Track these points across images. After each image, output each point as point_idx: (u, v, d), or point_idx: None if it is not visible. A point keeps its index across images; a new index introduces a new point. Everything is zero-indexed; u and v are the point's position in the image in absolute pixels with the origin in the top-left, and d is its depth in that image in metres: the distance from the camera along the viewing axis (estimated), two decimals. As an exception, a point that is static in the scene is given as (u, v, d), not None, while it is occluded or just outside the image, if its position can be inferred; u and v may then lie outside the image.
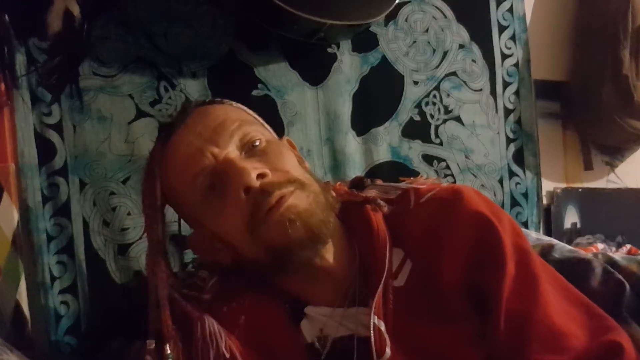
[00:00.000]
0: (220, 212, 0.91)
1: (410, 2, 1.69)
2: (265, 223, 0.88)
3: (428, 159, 1.68)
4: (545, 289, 0.90)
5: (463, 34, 1.74)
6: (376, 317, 0.91)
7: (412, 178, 1.07)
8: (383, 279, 0.92)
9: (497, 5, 1.78)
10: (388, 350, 0.90)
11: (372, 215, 0.97)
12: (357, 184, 1.07)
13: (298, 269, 0.93)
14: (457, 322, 0.91)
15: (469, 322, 0.91)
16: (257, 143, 0.93)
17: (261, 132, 0.96)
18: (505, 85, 1.78)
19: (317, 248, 0.91)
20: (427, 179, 1.06)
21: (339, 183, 1.08)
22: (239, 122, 0.95)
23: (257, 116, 1.03)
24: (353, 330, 0.94)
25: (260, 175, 0.88)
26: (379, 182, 1.05)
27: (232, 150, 0.92)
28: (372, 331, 0.90)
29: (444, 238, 0.92)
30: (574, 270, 1.13)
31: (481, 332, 0.91)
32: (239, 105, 1.02)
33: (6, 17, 1.24)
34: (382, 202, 0.98)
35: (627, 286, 1.10)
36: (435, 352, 0.91)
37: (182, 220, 1.07)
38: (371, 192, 1.02)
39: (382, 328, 0.91)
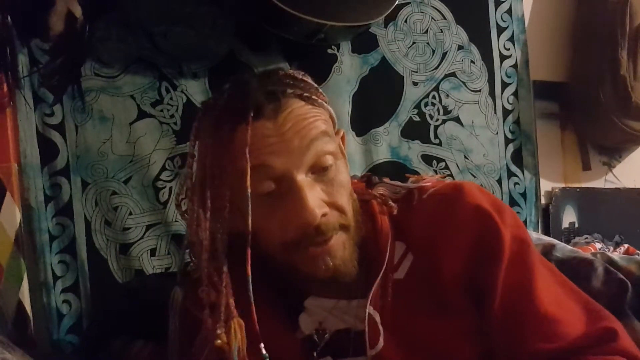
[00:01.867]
0: (264, 217, 0.89)
1: (409, 3, 1.69)
2: (303, 252, 0.89)
3: (427, 159, 1.69)
4: (541, 279, 0.90)
5: (462, 35, 1.75)
6: (372, 307, 0.92)
7: (417, 176, 1.07)
8: (382, 272, 0.94)
9: (496, 7, 1.79)
10: (381, 341, 0.91)
11: (376, 210, 0.99)
12: (366, 182, 1.07)
13: None
14: (455, 316, 0.92)
15: (466, 317, 0.92)
16: (328, 167, 0.90)
17: (332, 147, 0.92)
18: (504, 86, 1.79)
19: (332, 282, 0.92)
20: (432, 177, 1.06)
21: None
22: (324, 135, 0.91)
23: (332, 112, 0.99)
24: (351, 324, 0.95)
25: (322, 215, 0.88)
26: (386, 180, 1.06)
27: (304, 170, 0.88)
28: (366, 322, 0.91)
29: (445, 233, 0.93)
30: (576, 270, 1.15)
31: (478, 327, 0.91)
32: (328, 106, 0.98)
33: (9, 18, 1.25)
34: (392, 204, 0.98)
35: (630, 285, 1.11)
36: (431, 345, 0.91)
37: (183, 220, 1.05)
38: (380, 190, 1.03)
39: (377, 319, 0.92)
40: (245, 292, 0.86)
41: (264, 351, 0.86)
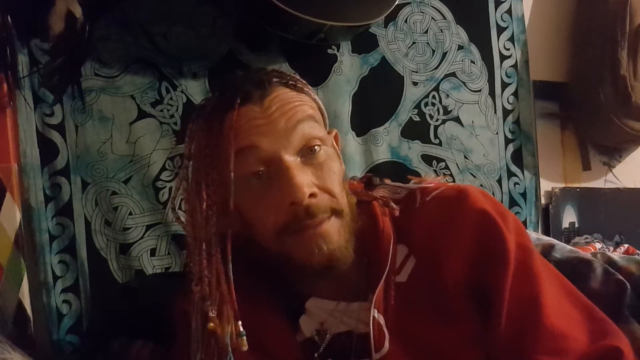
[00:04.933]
0: (256, 203, 0.91)
1: (409, 3, 1.69)
2: (296, 237, 0.89)
3: (427, 159, 1.69)
4: (547, 290, 0.90)
5: (462, 35, 1.75)
6: (376, 311, 0.92)
7: (419, 177, 1.07)
8: (385, 274, 0.93)
9: (496, 7, 1.79)
10: (387, 344, 0.91)
11: (378, 212, 0.99)
12: (367, 183, 1.07)
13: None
14: (458, 321, 0.91)
15: (469, 322, 0.91)
16: (316, 149, 0.92)
17: (321, 133, 0.94)
18: (504, 86, 1.79)
19: (329, 270, 0.92)
20: (434, 179, 1.06)
21: (349, 182, 1.09)
22: (310, 119, 0.93)
23: (321, 104, 1.01)
24: (353, 327, 0.95)
25: (311, 195, 0.89)
26: (387, 181, 1.06)
27: (292, 152, 0.90)
28: (371, 325, 0.91)
29: (448, 236, 0.93)
30: (575, 271, 1.14)
31: (481, 332, 0.91)
32: (315, 96, 1.00)
33: (8, 18, 1.25)
34: (394, 205, 0.99)
35: (628, 286, 1.11)
36: (434, 349, 0.91)
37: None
38: (380, 192, 1.02)
39: (382, 322, 0.92)
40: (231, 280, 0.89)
41: (241, 328, 0.88)
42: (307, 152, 0.91)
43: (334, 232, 0.90)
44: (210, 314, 0.87)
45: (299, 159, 0.91)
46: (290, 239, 0.90)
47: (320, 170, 0.92)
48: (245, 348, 0.87)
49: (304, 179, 0.89)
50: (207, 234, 0.91)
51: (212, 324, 0.87)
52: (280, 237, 0.90)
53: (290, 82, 0.96)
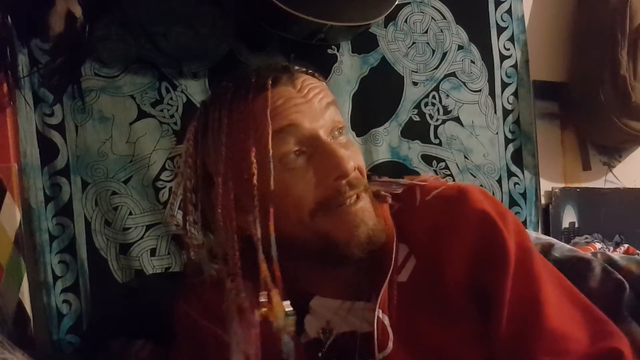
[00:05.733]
0: (293, 182, 0.90)
1: (409, 3, 1.69)
2: (336, 216, 0.89)
3: (427, 159, 1.69)
4: (547, 290, 0.90)
5: (462, 35, 1.75)
6: (381, 310, 0.91)
7: (412, 176, 1.08)
8: (389, 274, 0.93)
9: (496, 7, 1.79)
10: (390, 344, 0.91)
11: (382, 209, 0.98)
12: None
13: (329, 261, 0.94)
14: (459, 321, 0.91)
15: (470, 322, 0.91)
16: (342, 132, 0.94)
17: (342, 120, 0.96)
18: (504, 86, 1.79)
19: (363, 252, 0.92)
20: (430, 176, 1.06)
21: None
22: (334, 104, 0.95)
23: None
24: (357, 327, 0.95)
25: (354, 168, 0.90)
26: (384, 178, 1.06)
27: (326, 132, 0.91)
28: (375, 324, 0.91)
29: (448, 237, 0.93)
30: (574, 270, 1.14)
31: (482, 332, 0.91)
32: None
33: (8, 18, 1.25)
34: (385, 193, 1.00)
35: (627, 286, 1.11)
36: (436, 350, 0.91)
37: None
38: (373, 187, 1.02)
39: (386, 322, 0.91)
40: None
41: (289, 308, 0.87)
42: (336, 135, 0.93)
43: (369, 209, 0.92)
44: (262, 299, 0.86)
45: (330, 139, 0.92)
46: (329, 220, 0.89)
47: (348, 150, 0.93)
48: (293, 329, 0.87)
49: (347, 154, 0.90)
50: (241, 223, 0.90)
51: (265, 309, 0.86)
52: (315, 219, 0.90)
53: (310, 72, 0.97)
